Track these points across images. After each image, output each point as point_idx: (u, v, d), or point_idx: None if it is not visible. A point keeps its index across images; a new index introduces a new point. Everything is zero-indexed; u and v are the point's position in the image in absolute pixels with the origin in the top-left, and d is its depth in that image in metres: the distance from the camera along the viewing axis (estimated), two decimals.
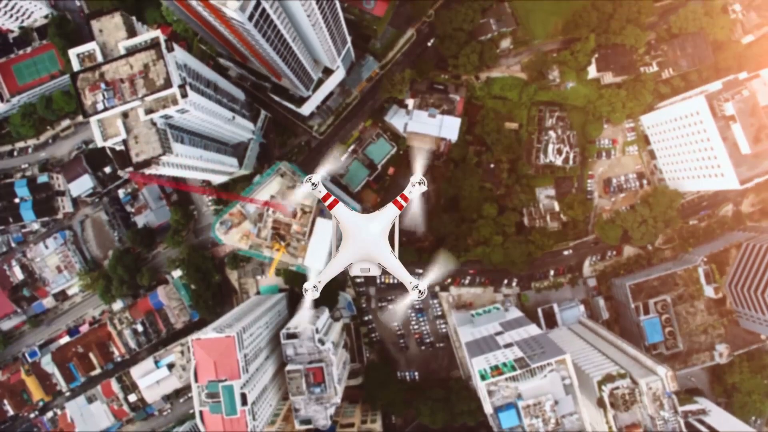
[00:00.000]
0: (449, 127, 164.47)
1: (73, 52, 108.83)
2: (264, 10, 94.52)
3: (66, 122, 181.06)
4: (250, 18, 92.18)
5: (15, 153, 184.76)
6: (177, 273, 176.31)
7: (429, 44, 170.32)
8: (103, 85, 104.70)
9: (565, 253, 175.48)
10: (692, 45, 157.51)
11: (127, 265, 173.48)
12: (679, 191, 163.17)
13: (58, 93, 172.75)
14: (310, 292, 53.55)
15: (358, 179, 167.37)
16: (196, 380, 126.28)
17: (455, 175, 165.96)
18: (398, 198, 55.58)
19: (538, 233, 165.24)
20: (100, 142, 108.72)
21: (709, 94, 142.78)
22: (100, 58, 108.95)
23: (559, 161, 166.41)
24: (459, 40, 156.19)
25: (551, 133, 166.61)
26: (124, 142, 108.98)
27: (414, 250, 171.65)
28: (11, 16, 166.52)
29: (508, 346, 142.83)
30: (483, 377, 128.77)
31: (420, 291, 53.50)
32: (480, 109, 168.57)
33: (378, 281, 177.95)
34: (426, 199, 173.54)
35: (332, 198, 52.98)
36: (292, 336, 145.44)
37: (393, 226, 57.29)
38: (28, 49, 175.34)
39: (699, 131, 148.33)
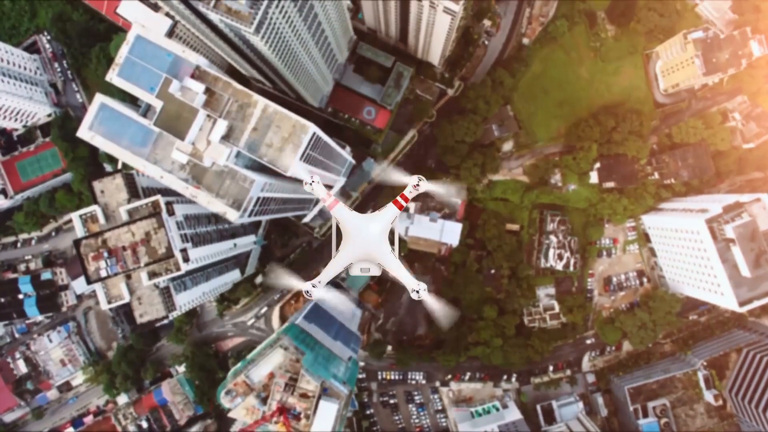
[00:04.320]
0: (450, 232, 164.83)
1: (75, 215, 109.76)
2: (265, 198, 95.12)
3: (68, 216, 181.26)
4: (251, 215, 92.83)
5: (18, 244, 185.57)
6: (181, 368, 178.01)
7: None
8: (105, 254, 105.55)
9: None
10: (693, 155, 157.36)
11: (131, 361, 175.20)
12: (678, 296, 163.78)
13: (60, 192, 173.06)
14: (311, 291, 53.34)
15: (359, 283, 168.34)
16: None
17: (456, 279, 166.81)
18: (398, 198, 55.32)
19: (537, 338, 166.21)
20: (104, 305, 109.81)
21: (709, 218, 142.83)
22: (102, 220, 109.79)
23: (559, 266, 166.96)
24: (461, 152, 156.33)
25: (552, 237, 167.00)
26: (128, 304, 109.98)
27: (414, 348, 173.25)
28: (16, 119, 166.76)
29: None
30: None
31: (421, 290, 53.78)
32: (481, 211, 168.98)
33: (379, 377, 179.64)
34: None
35: (332, 198, 53.51)
36: None
37: (392, 227, 57.59)
38: (32, 147, 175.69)
39: (699, 249, 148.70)
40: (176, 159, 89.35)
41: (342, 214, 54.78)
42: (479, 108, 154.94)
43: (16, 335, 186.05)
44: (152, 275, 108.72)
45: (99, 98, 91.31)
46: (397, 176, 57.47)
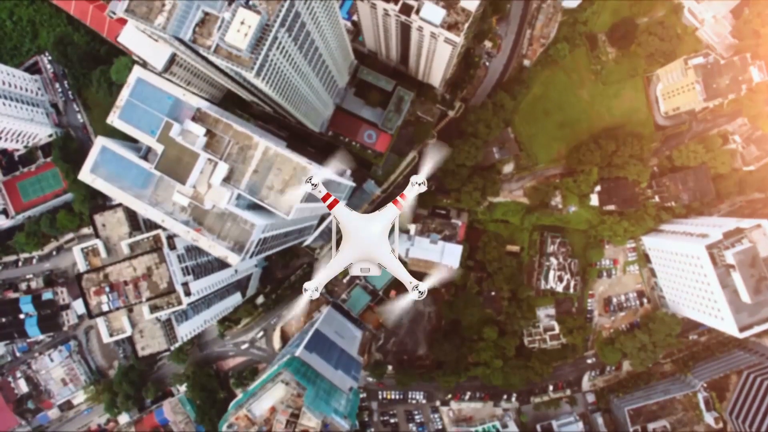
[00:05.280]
0: (451, 254, 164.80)
1: (77, 248, 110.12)
2: (266, 237, 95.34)
3: (69, 235, 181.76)
4: (252, 256, 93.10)
5: (19, 263, 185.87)
6: (182, 387, 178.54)
7: None
8: (107, 288, 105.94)
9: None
10: (693, 179, 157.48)
11: (132, 380, 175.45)
12: (678, 318, 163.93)
13: (62, 213, 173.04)
14: (310, 292, 52.43)
15: (359, 304, 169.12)
16: None
17: (456, 301, 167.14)
18: (398, 198, 54.71)
19: (537, 359, 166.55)
20: (106, 338, 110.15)
21: (710, 243, 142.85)
22: (103, 254, 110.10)
23: (560, 288, 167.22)
24: (461, 175, 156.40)
25: (552, 259, 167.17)
26: (130, 337, 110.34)
27: (415, 368, 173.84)
28: (17, 141, 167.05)
29: None
30: None
31: (420, 291, 53.26)
32: (482, 233, 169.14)
33: (380, 396, 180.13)
34: (428, 320, 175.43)
35: (332, 198, 53.02)
36: None
37: (393, 227, 57.12)
38: (33, 167, 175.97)
39: (699, 273, 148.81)
40: (177, 201, 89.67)
41: (342, 214, 54.51)
42: (480, 131, 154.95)
43: (17, 354, 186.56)
44: (154, 309, 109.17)
45: (100, 141, 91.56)
46: (428, 161, 56.40)
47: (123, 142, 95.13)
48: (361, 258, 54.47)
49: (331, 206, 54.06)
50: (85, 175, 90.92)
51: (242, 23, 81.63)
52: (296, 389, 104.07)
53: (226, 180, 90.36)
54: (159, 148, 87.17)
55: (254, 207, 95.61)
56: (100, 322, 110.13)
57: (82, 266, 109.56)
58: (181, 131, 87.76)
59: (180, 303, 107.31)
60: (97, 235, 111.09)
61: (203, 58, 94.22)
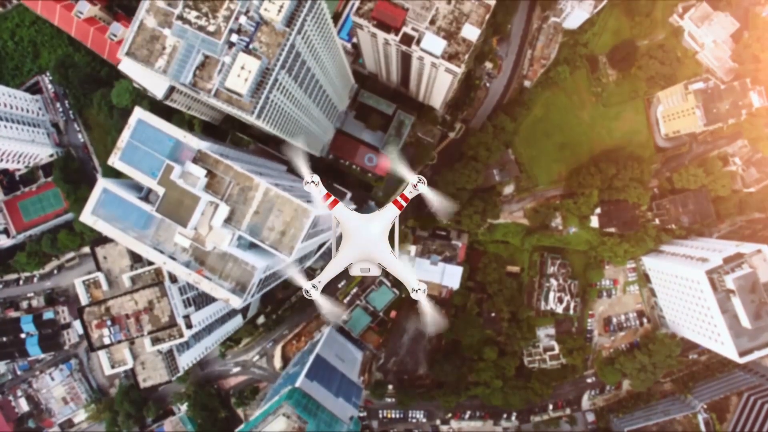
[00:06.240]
0: (451, 276, 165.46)
1: (79, 281, 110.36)
2: (267, 276, 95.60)
3: (70, 254, 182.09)
4: (254, 296, 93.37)
5: (20, 282, 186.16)
6: (183, 406, 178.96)
7: None
8: (109, 322, 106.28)
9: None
10: (694, 201, 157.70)
11: (133, 399, 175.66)
12: (678, 339, 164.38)
13: (63, 233, 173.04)
14: (310, 291, 52.77)
15: (360, 325, 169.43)
16: None
17: (456, 322, 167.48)
18: (398, 198, 55.94)
19: (537, 380, 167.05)
20: (108, 370, 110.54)
21: (710, 269, 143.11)
22: (105, 286, 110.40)
23: (560, 309, 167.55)
24: (462, 199, 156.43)
25: (552, 280, 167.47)
26: (132, 369, 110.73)
27: (415, 388, 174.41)
28: (19, 161, 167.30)
29: None
30: None
31: (419, 291, 53.31)
32: (482, 254, 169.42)
33: (380, 415, 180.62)
34: (428, 340, 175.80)
35: (332, 198, 51.45)
36: None
37: (393, 226, 56.97)
38: (34, 187, 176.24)
39: (699, 297, 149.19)
40: (179, 243, 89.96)
41: (342, 214, 54.41)
42: (480, 155, 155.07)
43: (18, 373, 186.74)
44: (156, 341, 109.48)
45: (102, 183, 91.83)
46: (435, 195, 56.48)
47: (125, 181, 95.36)
48: (361, 258, 54.01)
49: (331, 206, 53.89)
50: (86, 217, 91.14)
51: (242, 68, 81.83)
52: (297, 422, 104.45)
53: (227, 221, 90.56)
54: (160, 191, 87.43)
55: (255, 245, 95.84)
56: (101, 354, 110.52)
57: (83, 299, 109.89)
58: (182, 173, 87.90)
59: (182, 335, 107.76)
60: (98, 268, 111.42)
61: None
